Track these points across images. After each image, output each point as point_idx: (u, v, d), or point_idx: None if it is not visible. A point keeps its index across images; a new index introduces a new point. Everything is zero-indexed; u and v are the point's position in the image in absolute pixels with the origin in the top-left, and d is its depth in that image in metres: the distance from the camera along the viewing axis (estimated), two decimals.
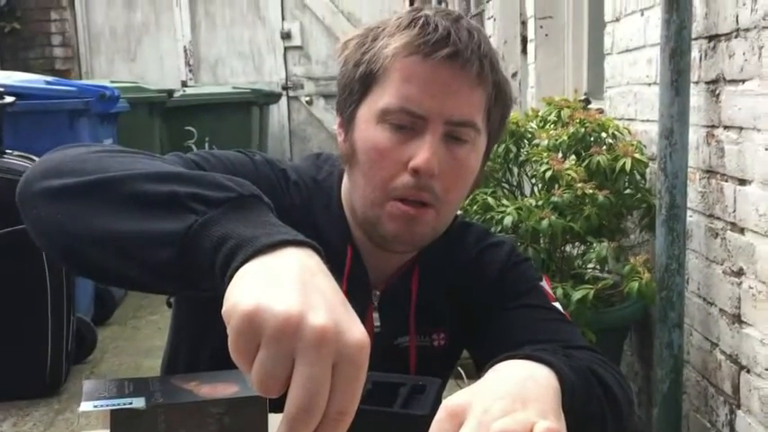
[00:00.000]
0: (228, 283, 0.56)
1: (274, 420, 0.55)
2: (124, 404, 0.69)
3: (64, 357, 2.96)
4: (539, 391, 0.65)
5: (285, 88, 6.59)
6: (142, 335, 3.72)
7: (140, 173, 0.69)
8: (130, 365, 3.25)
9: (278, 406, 0.52)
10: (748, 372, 1.79)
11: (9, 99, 2.89)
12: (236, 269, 0.56)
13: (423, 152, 0.86)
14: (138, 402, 0.69)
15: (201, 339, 0.97)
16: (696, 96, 1.95)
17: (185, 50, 6.64)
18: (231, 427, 0.71)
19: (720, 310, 1.92)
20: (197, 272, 0.62)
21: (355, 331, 0.53)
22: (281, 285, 0.53)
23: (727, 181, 1.85)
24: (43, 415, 2.81)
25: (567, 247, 2.35)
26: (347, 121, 0.93)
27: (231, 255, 0.58)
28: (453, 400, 0.63)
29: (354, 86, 0.91)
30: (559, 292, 2.03)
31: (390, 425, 0.71)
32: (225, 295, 0.55)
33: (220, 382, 0.75)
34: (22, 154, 2.84)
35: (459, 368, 2.31)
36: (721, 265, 1.90)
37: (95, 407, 0.68)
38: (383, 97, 0.89)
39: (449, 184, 0.89)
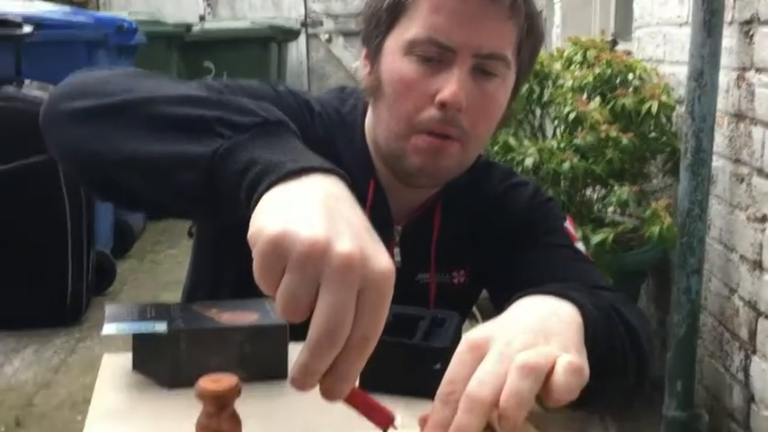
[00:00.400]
0: (254, 209, 0.55)
1: (294, 350, 0.55)
2: (146, 328, 0.69)
3: (84, 288, 3.01)
4: (562, 326, 0.64)
5: (304, 25, 6.48)
6: (161, 268, 3.77)
7: (166, 95, 0.68)
8: (149, 298, 3.29)
9: (298, 335, 0.52)
10: (766, 318, 1.79)
11: (27, 29, 2.87)
12: (262, 194, 0.55)
13: (450, 85, 0.83)
14: (160, 327, 0.69)
15: (223, 269, 0.97)
16: (728, 38, 1.90)
17: None
18: (252, 355, 0.72)
19: (741, 256, 1.90)
20: (222, 196, 0.61)
21: (381, 259, 0.52)
22: (308, 211, 0.52)
23: (756, 125, 1.81)
24: (64, 342, 2.87)
25: (588, 191, 2.33)
26: (373, 53, 0.91)
27: (257, 180, 0.57)
28: (475, 332, 0.62)
29: (382, 16, 0.89)
30: (579, 235, 2.01)
31: (410, 357, 0.71)
32: (251, 220, 0.54)
33: (241, 310, 0.75)
34: (41, 83, 2.83)
35: (475, 310, 2.33)
36: (745, 211, 1.88)
37: (118, 330, 0.69)
38: (411, 28, 0.86)
39: (476, 118, 0.87)
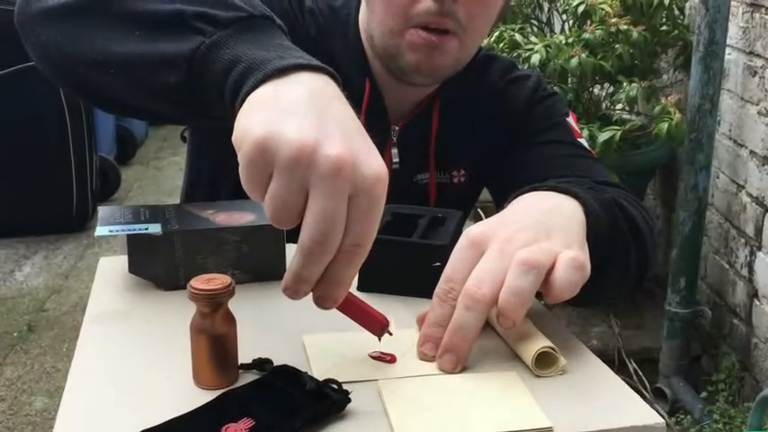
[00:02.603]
0: (239, 109, 0.52)
1: (291, 250, 0.53)
2: (140, 230, 0.68)
3: (89, 194, 3.01)
4: (563, 221, 0.62)
5: None
6: (164, 174, 3.76)
7: None
8: (154, 203, 3.31)
9: (295, 236, 0.51)
10: None
11: None
12: (247, 94, 0.52)
13: None
14: (154, 228, 0.68)
15: (219, 173, 0.95)
16: None
17: None
18: (248, 255, 0.71)
19: (751, 151, 1.87)
20: (206, 97, 0.58)
21: (373, 162, 0.49)
22: (295, 112, 0.49)
23: None
24: (72, 249, 2.90)
25: (596, 88, 2.27)
26: None
27: (241, 79, 0.54)
28: (475, 229, 0.61)
29: None
30: (585, 133, 1.98)
31: (409, 254, 0.69)
32: (235, 121, 0.51)
33: (236, 210, 0.74)
34: None
35: (480, 210, 2.32)
36: (756, 105, 1.83)
37: (110, 231, 0.67)
38: None
39: (473, 10, 0.82)
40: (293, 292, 0.51)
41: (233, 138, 0.50)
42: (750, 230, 1.89)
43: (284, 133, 0.48)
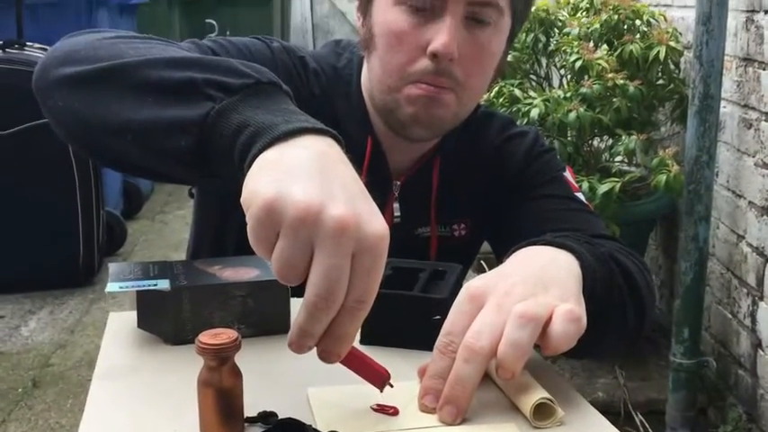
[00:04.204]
0: (247, 171, 0.55)
1: (296, 305, 0.55)
2: (149, 285, 0.70)
3: (96, 249, 3.03)
4: (560, 275, 0.64)
5: None
6: (170, 229, 3.79)
7: (155, 59, 0.67)
8: (159, 258, 3.32)
9: (300, 291, 0.53)
10: None
11: None
12: (255, 157, 0.55)
13: (442, 35, 0.82)
14: (163, 284, 0.70)
15: (224, 230, 0.97)
16: None
17: None
18: (254, 309, 0.72)
19: (749, 202, 1.89)
20: (216, 160, 0.61)
21: (375, 222, 0.52)
22: (301, 174, 0.52)
23: (764, 69, 1.78)
24: (78, 303, 2.91)
25: (595, 141, 2.31)
26: (365, 4, 0.89)
27: (250, 142, 0.57)
28: (474, 283, 0.63)
29: None
30: (585, 185, 2.01)
31: (410, 308, 0.71)
32: (244, 183, 0.54)
33: (243, 266, 0.76)
34: (43, 46, 2.81)
35: (482, 262, 2.33)
36: (753, 156, 1.86)
37: (121, 288, 0.69)
38: None
39: (470, 68, 0.85)
40: (298, 347, 0.52)
41: (242, 199, 0.53)
42: (752, 280, 1.90)
43: (291, 194, 0.51)
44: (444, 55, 0.82)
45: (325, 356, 0.53)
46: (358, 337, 0.71)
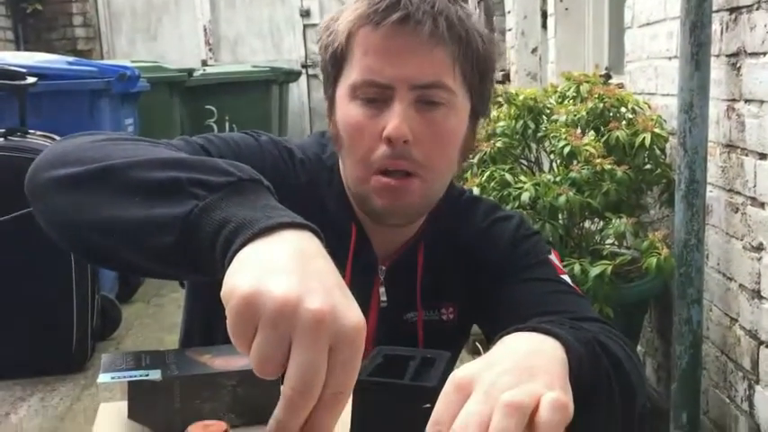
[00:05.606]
0: (228, 266, 0.56)
1: None
2: (141, 376, 0.71)
3: (89, 334, 3.01)
4: (546, 362, 0.65)
5: (305, 66, 6.58)
6: (165, 312, 3.77)
7: (142, 160, 0.70)
8: (154, 341, 3.30)
9: None
10: None
11: (31, 80, 2.92)
12: (236, 252, 0.57)
13: (393, 120, 0.86)
14: (155, 374, 0.71)
15: (215, 319, 0.98)
16: (717, 70, 1.93)
17: (205, 29, 6.65)
18: (244, 398, 0.73)
19: (740, 285, 1.91)
20: (199, 256, 0.62)
21: (351, 315, 0.53)
22: (279, 269, 0.54)
23: (747, 155, 1.83)
24: (70, 390, 2.87)
25: (586, 224, 2.34)
26: (330, 104, 0.95)
27: (231, 238, 0.58)
28: (460, 372, 0.64)
29: (328, 69, 0.93)
30: (577, 268, 2.03)
31: (399, 397, 0.71)
32: (224, 278, 0.55)
33: (233, 355, 0.77)
34: (45, 134, 2.88)
35: (478, 344, 2.32)
36: (741, 240, 1.89)
37: (113, 378, 0.70)
38: (351, 74, 0.89)
39: (429, 149, 0.88)
40: None
41: (221, 293, 0.54)
42: (747, 364, 1.89)
43: (269, 289, 0.52)
44: (397, 138, 0.86)
45: None
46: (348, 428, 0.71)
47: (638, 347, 2.54)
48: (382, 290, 0.97)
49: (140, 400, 0.73)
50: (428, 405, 0.64)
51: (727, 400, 2.01)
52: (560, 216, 2.22)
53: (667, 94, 2.31)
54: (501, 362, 0.65)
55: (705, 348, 2.05)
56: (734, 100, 1.87)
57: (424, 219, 0.98)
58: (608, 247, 2.26)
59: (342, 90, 0.91)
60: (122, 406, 0.74)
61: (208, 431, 0.55)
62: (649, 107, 2.37)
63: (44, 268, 2.88)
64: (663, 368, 2.40)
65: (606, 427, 0.76)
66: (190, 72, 4.77)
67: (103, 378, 0.70)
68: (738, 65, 1.84)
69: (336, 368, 0.52)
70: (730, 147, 1.92)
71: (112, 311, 3.33)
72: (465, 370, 0.64)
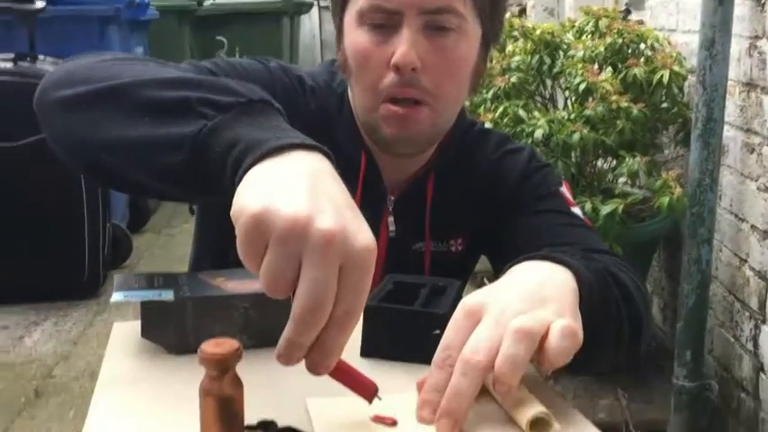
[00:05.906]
0: (238, 186, 0.56)
1: None
2: (153, 296, 0.71)
3: (101, 262, 3.05)
4: (556, 290, 0.65)
5: None
6: (176, 242, 3.81)
7: (150, 79, 0.69)
8: (165, 271, 3.34)
9: None
10: None
11: (40, 4, 2.88)
12: (245, 172, 0.56)
13: (400, 47, 0.84)
14: (167, 295, 0.71)
15: (225, 245, 0.98)
16: (740, 5, 1.87)
17: None
18: (256, 321, 0.74)
19: (752, 226, 1.90)
20: (208, 176, 0.62)
21: (362, 235, 0.53)
22: (289, 188, 0.53)
23: (767, 94, 1.79)
24: (82, 315, 2.92)
25: (599, 162, 2.32)
26: (338, 31, 0.93)
27: (240, 158, 0.58)
28: (471, 299, 0.64)
29: None
30: (588, 206, 2.02)
31: (410, 323, 0.72)
32: (234, 198, 0.55)
33: (246, 278, 0.77)
34: (54, 59, 2.85)
35: (486, 280, 2.34)
36: (756, 181, 1.87)
37: (125, 297, 0.71)
38: (358, 0, 0.87)
39: (438, 76, 0.86)
40: (287, 359, 0.53)
41: (231, 212, 0.54)
42: (754, 304, 1.90)
43: (279, 208, 0.52)
44: (405, 65, 0.84)
45: (314, 368, 0.54)
46: (358, 349, 0.72)
47: (646, 286, 2.55)
48: (391, 219, 0.96)
49: (153, 319, 0.74)
50: (438, 331, 0.65)
51: (732, 340, 2.02)
52: (573, 154, 2.20)
53: (688, 31, 2.26)
54: (511, 289, 0.65)
55: (713, 288, 2.06)
56: (757, 37, 1.83)
57: (435, 149, 0.97)
58: (620, 186, 2.25)
59: (349, 17, 0.89)
60: (136, 325, 0.75)
61: (220, 348, 0.55)
62: (669, 44, 2.32)
63: (56, 194, 2.89)
64: (669, 307, 2.42)
65: (614, 356, 0.77)
66: (200, 1, 4.69)
67: (116, 297, 0.71)
68: (763, 1, 1.78)
69: (346, 287, 0.52)
70: (750, 85, 1.88)
71: (124, 240, 3.36)
72: (475, 296, 0.64)
